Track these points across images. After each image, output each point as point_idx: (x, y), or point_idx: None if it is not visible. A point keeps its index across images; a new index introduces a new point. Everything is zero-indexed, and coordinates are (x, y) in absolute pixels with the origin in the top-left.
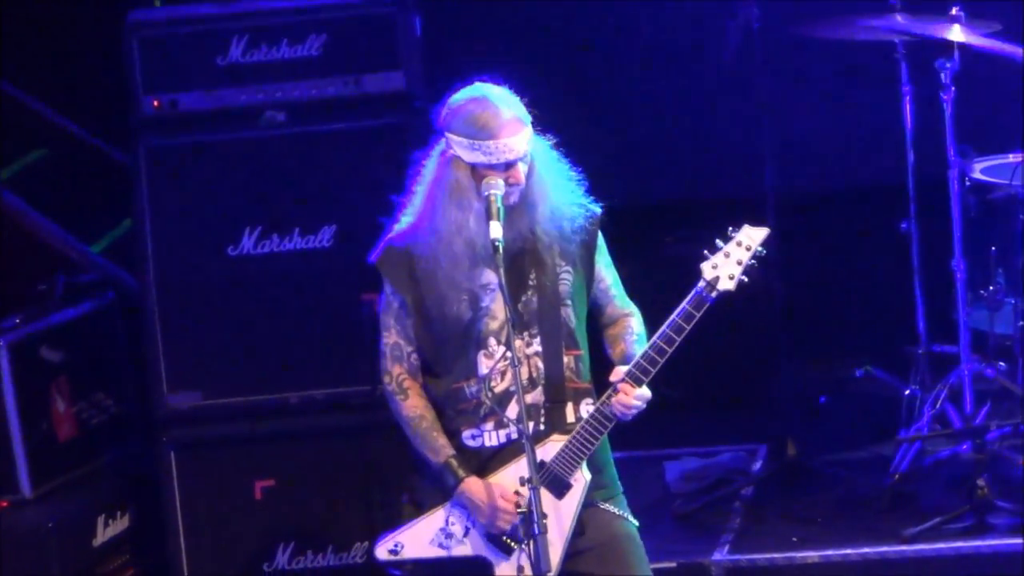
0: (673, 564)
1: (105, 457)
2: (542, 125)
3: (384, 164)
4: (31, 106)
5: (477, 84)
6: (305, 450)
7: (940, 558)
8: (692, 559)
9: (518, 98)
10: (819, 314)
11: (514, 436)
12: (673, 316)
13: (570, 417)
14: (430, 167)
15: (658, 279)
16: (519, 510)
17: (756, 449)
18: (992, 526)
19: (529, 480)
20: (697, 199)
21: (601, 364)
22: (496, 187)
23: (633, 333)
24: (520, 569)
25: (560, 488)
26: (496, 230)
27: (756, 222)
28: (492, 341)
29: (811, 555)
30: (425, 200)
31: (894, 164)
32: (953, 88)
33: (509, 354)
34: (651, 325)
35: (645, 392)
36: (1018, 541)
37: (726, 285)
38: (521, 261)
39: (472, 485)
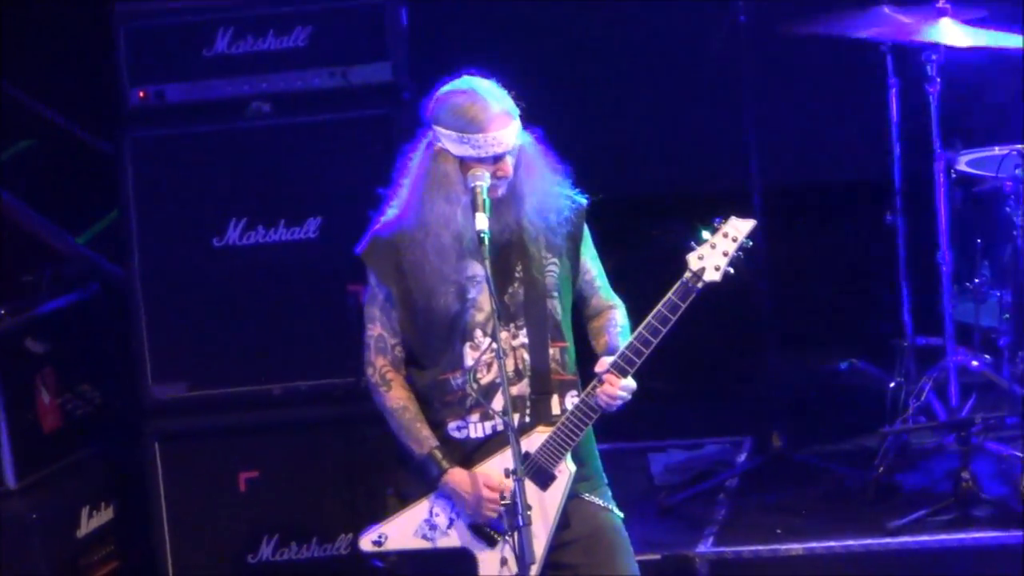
0: (658, 556)
1: (90, 448)
2: (529, 117)
3: (370, 156)
4: (17, 97)
5: (465, 77)
6: (290, 441)
7: (924, 550)
8: (677, 551)
9: (506, 91)
10: (804, 307)
11: (499, 428)
12: (659, 307)
13: (555, 409)
14: (417, 160)
15: (644, 270)
16: (503, 501)
17: (741, 441)
18: (976, 519)
19: (514, 472)
20: (683, 191)
21: (585, 356)
22: (482, 179)
23: (617, 325)
24: (504, 561)
25: (545, 479)
26: (482, 222)
27: (742, 214)
28: (478, 333)
29: (795, 547)
30: (412, 193)
31: (880, 157)
32: (939, 80)
33: (495, 346)
34: (637, 316)
35: (630, 383)
36: (1002, 534)
37: (712, 276)
38: (507, 253)
39: (456, 475)
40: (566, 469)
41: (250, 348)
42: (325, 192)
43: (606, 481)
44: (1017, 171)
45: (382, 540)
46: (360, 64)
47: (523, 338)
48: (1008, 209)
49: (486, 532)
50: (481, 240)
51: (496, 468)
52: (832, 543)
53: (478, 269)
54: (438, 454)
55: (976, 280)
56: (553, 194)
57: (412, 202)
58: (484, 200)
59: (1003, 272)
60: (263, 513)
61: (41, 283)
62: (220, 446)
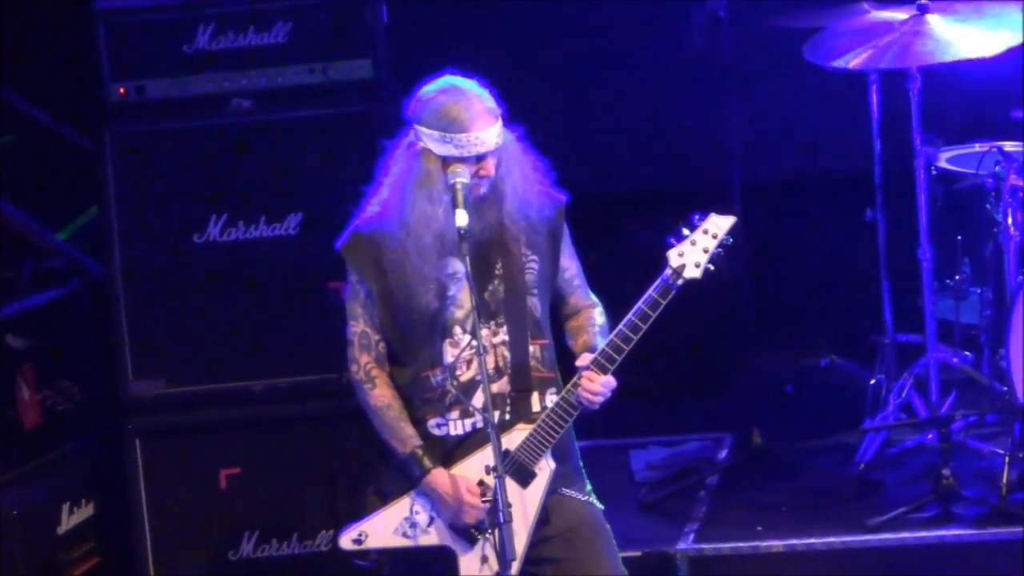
0: (638, 553)
1: (70, 445)
2: (510, 114)
3: (351, 152)
4: None
5: (447, 76)
6: (270, 438)
7: (905, 547)
8: (657, 548)
9: (487, 90)
10: (785, 303)
11: (479, 425)
12: (639, 303)
13: (535, 406)
14: (398, 159)
15: (624, 267)
16: (484, 500)
17: (722, 438)
18: (957, 515)
19: (494, 469)
20: (664, 188)
21: (563, 354)
22: (462, 175)
23: (595, 324)
24: (484, 558)
25: (525, 477)
26: (462, 218)
27: (723, 211)
28: (458, 330)
29: (776, 544)
30: (393, 192)
31: (860, 153)
32: (920, 77)
33: (475, 343)
34: (616, 312)
35: (610, 380)
36: (982, 531)
37: (692, 273)
38: (488, 250)
39: (438, 477)
40: (546, 466)
41: (231, 344)
42: (305, 188)
43: (586, 476)
44: (997, 168)
45: (362, 538)
46: (340, 60)
47: (503, 335)
48: (988, 206)
49: (467, 530)
50: (461, 236)
51: (476, 466)
52: (812, 540)
53: (458, 266)
54: (421, 453)
55: (957, 277)
56: (534, 193)
57: (394, 201)
58: (464, 196)
59: (983, 269)
60: (244, 510)
61: (21, 279)
62: (201, 443)
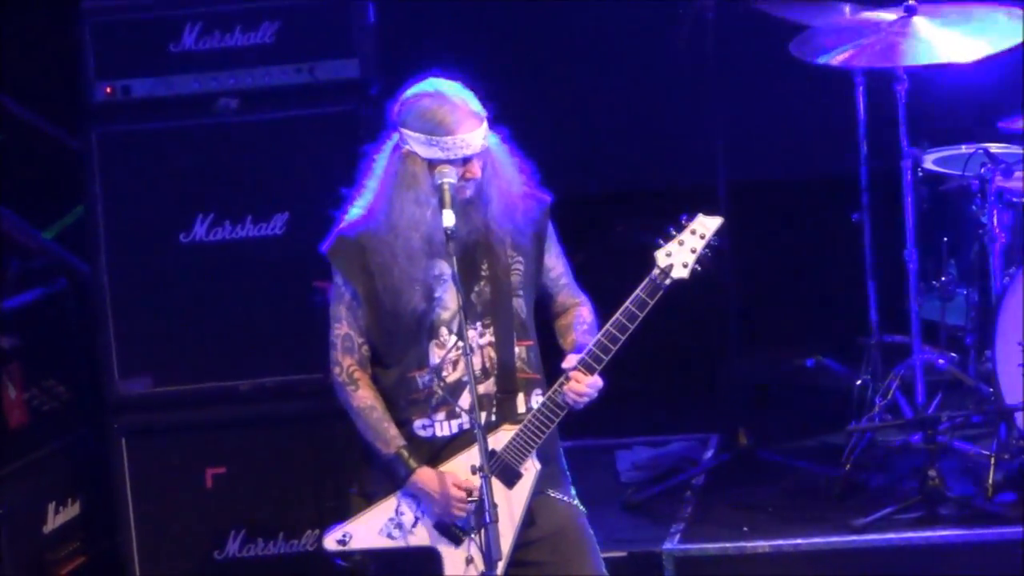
0: (624, 554)
1: (56, 444)
2: (496, 114)
3: (337, 152)
4: None
5: (431, 79)
6: (256, 437)
7: (891, 548)
8: (643, 548)
9: (472, 93)
10: (771, 304)
11: (466, 426)
12: (626, 304)
13: (521, 408)
14: (383, 162)
15: (611, 267)
16: (471, 498)
17: (707, 438)
18: (943, 516)
19: (480, 469)
20: (650, 188)
21: (550, 354)
22: (449, 176)
23: (584, 323)
24: (469, 559)
25: (510, 477)
26: (449, 218)
27: (709, 211)
28: (444, 331)
29: (762, 544)
30: (379, 195)
31: (847, 154)
32: (906, 79)
33: (461, 344)
34: (604, 312)
35: (597, 380)
36: (968, 532)
37: (680, 273)
38: (474, 252)
39: (424, 475)
40: (532, 467)
41: (217, 344)
42: (292, 188)
43: (570, 478)
44: (983, 170)
45: (347, 539)
46: (327, 60)
47: (490, 336)
48: (974, 207)
49: (452, 531)
50: (448, 237)
51: (462, 466)
52: (798, 540)
53: (444, 268)
54: (405, 454)
55: (943, 278)
56: (519, 195)
57: (380, 204)
58: (451, 197)
59: (969, 270)
60: (229, 509)
61: (7, 278)
62: (187, 442)
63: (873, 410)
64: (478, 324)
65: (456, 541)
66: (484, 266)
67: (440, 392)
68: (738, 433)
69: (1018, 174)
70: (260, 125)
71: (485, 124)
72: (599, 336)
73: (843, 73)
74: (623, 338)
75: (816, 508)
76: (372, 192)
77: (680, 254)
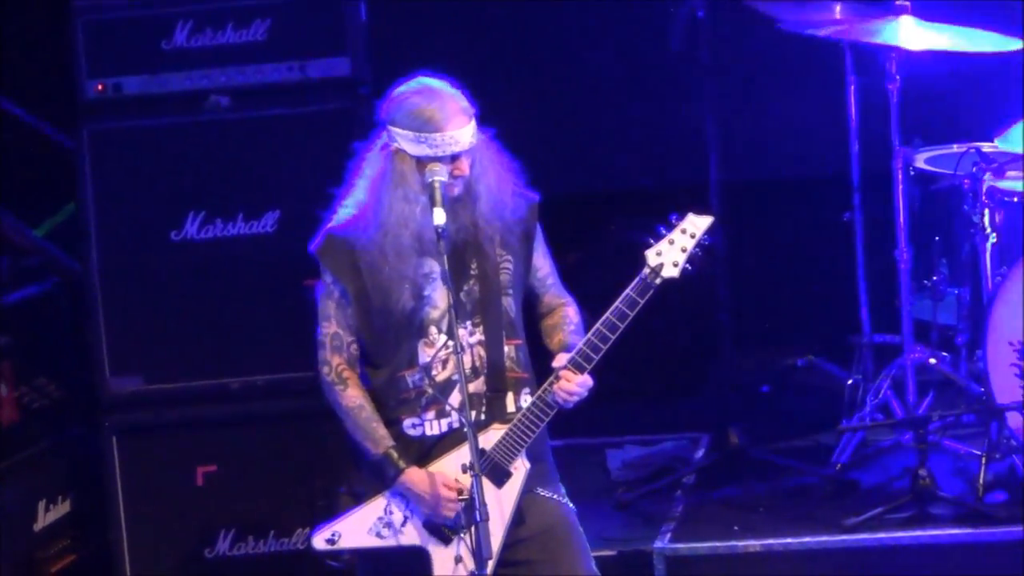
0: (614, 552)
1: (47, 442)
2: (487, 112)
3: (329, 149)
4: None
5: (419, 78)
6: (247, 435)
7: (881, 547)
8: (633, 547)
9: (460, 90)
10: (762, 303)
11: (455, 425)
12: (616, 303)
13: (510, 407)
14: (372, 160)
15: (602, 266)
16: (461, 497)
17: (698, 438)
18: (933, 516)
19: (471, 467)
20: (642, 187)
21: (537, 354)
22: (440, 173)
23: (571, 323)
24: (458, 558)
25: (500, 477)
26: (439, 216)
27: (701, 210)
28: (433, 330)
29: (753, 544)
30: (368, 193)
31: (839, 154)
32: (899, 78)
33: (451, 343)
34: (594, 311)
35: (587, 379)
36: (959, 531)
37: (670, 272)
38: (463, 251)
39: (413, 475)
40: (522, 466)
41: (208, 342)
42: (283, 186)
43: (558, 477)
44: (975, 169)
45: (335, 538)
46: (319, 58)
47: (479, 335)
48: (966, 207)
49: (441, 530)
50: (439, 235)
51: (452, 465)
52: (789, 540)
53: (434, 266)
54: (394, 453)
55: (934, 278)
56: (508, 193)
57: (370, 202)
58: (441, 195)
59: (961, 270)
60: (220, 507)
61: None
62: (178, 440)
63: (864, 409)
64: (467, 323)
65: (445, 540)
66: (473, 265)
67: (430, 391)
68: (729, 432)
69: (1010, 173)
70: (252, 122)
71: (473, 121)
72: (589, 335)
73: (835, 73)
74: (613, 338)
75: (807, 507)
76: (361, 190)
77: (670, 253)
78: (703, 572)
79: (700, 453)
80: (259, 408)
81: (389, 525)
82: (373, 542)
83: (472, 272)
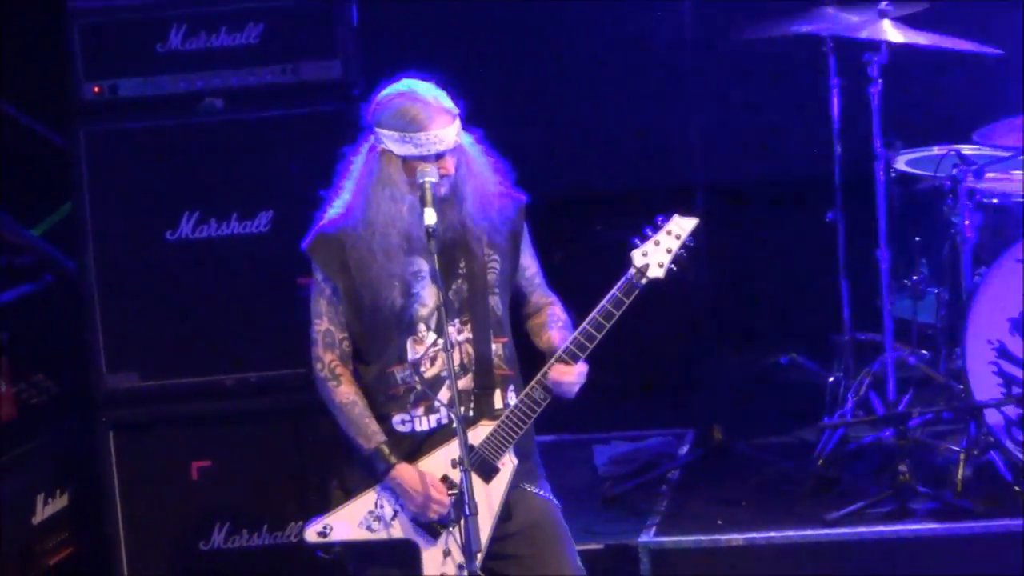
0: (600, 546)
1: (45, 437)
2: (476, 113)
3: (321, 150)
4: None
5: (404, 80)
6: (241, 431)
7: (862, 542)
8: (619, 541)
9: (444, 91)
10: (745, 302)
11: (444, 421)
12: (603, 303)
13: (498, 403)
14: (360, 162)
15: (588, 266)
16: (450, 493)
17: (683, 434)
18: (913, 511)
19: (460, 462)
20: (628, 188)
21: (523, 352)
22: (431, 174)
23: (559, 320)
24: (447, 552)
25: (488, 472)
26: (430, 216)
27: (686, 211)
28: (422, 327)
29: (736, 537)
30: (357, 193)
31: (821, 155)
32: (880, 81)
33: (440, 340)
34: (580, 310)
35: (582, 367)
36: (938, 526)
37: (656, 273)
38: (451, 250)
39: (403, 472)
40: (509, 462)
41: (202, 339)
42: (276, 186)
43: (544, 472)
44: (955, 171)
45: (327, 531)
46: (310, 61)
47: (467, 333)
48: (946, 208)
49: (430, 524)
50: (429, 235)
51: (441, 461)
52: (772, 534)
53: (423, 264)
54: (385, 449)
55: (914, 277)
56: (495, 194)
57: (358, 202)
58: (433, 195)
59: (940, 270)
60: (215, 501)
61: None
62: (173, 435)
63: (845, 406)
64: (456, 321)
65: (434, 534)
66: (461, 264)
67: (419, 387)
68: (713, 429)
69: (989, 175)
70: (245, 124)
71: (457, 121)
72: (576, 334)
73: (818, 76)
74: (600, 336)
75: (789, 502)
76: (350, 191)
77: (656, 254)
78: (687, 565)
79: (685, 449)
80: (253, 404)
81: (379, 519)
82: (364, 535)
83: (460, 271)
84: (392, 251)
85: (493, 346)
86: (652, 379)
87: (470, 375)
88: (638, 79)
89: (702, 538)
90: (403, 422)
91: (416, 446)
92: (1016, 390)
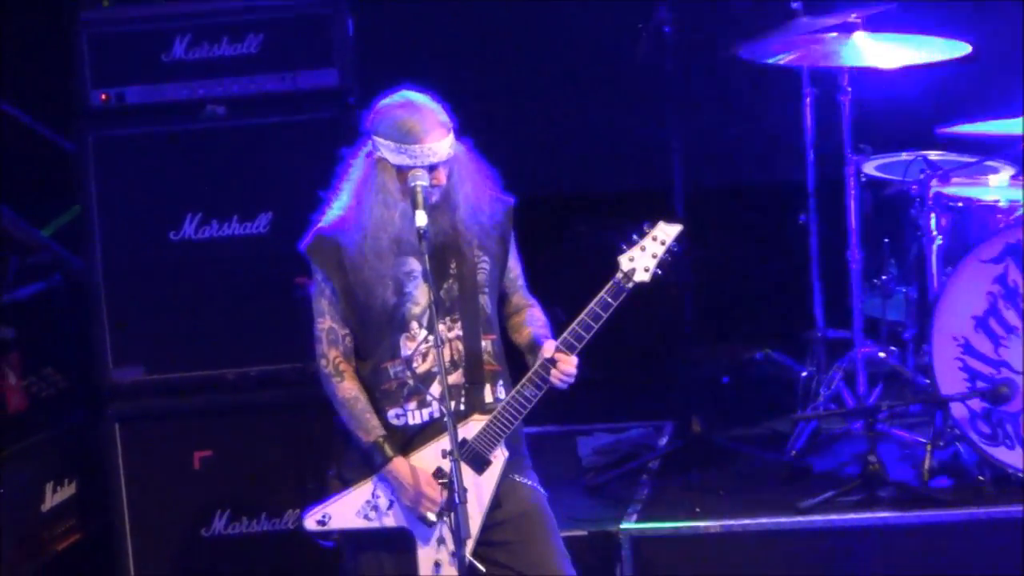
0: (583, 533)
1: (54, 428)
2: (466, 120)
3: (318, 155)
4: None
5: (403, 91)
6: (241, 423)
7: (833, 529)
8: (602, 528)
9: (440, 105)
10: (723, 300)
11: (436, 415)
12: (591, 305)
13: (488, 397)
14: (357, 167)
15: (572, 268)
16: (440, 481)
17: (663, 426)
18: (882, 499)
19: (450, 453)
20: (610, 192)
21: (509, 350)
22: (422, 179)
23: (538, 320)
24: (441, 540)
25: (480, 464)
26: (421, 219)
27: (665, 213)
28: (414, 325)
29: (713, 524)
30: (353, 198)
31: (795, 161)
32: (850, 90)
33: (431, 337)
34: (565, 310)
35: (575, 358)
36: (905, 514)
37: (642, 277)
38: (443, 252)
39: (400, 466)
40: (501, 455)
41: (204, 335)
42: (275, 189)
43: (531, 463)
44: (922, 175)
45: (326, 520)
46: (308, 70)
47: (458, 330)
48: (914, 211)
49: (424, 514)
50: (420, 236)
51: (433, 453)
52: (747, 521)
53: (415, 265)
54: (384, 443)
55: (883, 277)
56: (485, 199)
57: (353, 206)
58: (423, 199)
59: (908, 270)
60: (216, 490)
61: (8, 273)
62: (176, 427)
63: (817, 400)
64: (447, 319)
65: (428, 523)
66: (452, 265)
67: (411, 382)
68: (691, 421)
69: (955, 180)
70: (245, 130)
71: (451, 134)
72: (565, 335)
73: (792, 85)
74: (588, 337)
75: (763, 491)
76: (346, 194)
77: (642, 259)
78: (666, 551)
79: (664, 440)
80: (253, 397)
81: (376, 508)
82: (361, 523)
83: (451, 272)
84: (383, 253)
85: (483, 342)
86: (633, 374)
87: (460, 370)
88: (622, 88)
89: (680, 525)
90: (397, 416)
91: (409, 439)
92: (980, 385)
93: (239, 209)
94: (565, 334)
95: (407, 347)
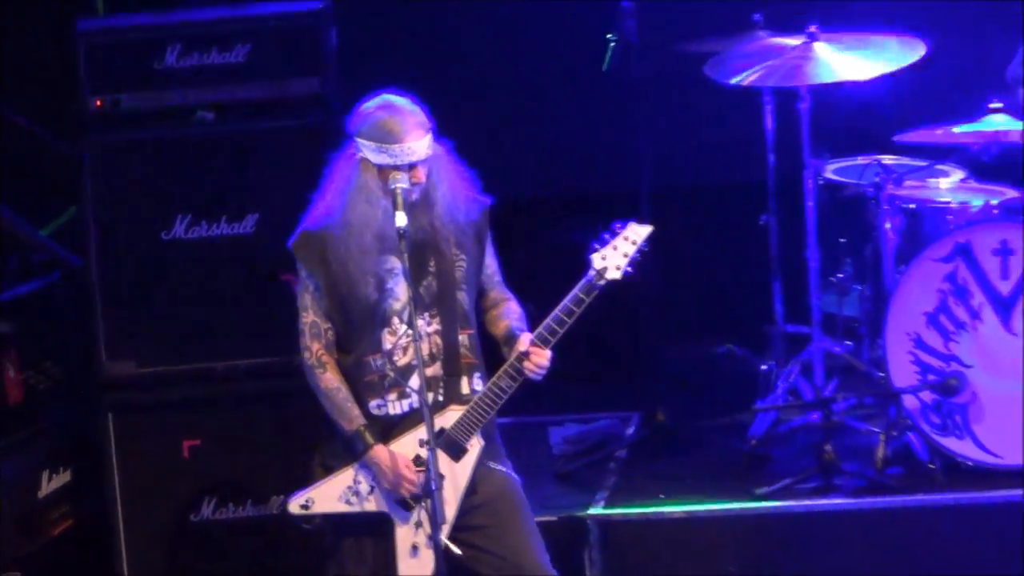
0: (554, 517)
1: (50, 418)
2: (443, 124)
3: (303, 159)
4: None
5: (384, 95)
6: (229, 413)
7: (790, 514)
8: (571, 513)
9: (419, 107)
10: (687, 297)
11: (416, 405)
12: (564, 301)
13: (465, 389)
14: (341, 168)
15: (546, 266)
16: (419, 469)
17: (630, 417)
18: (837, 487)
19: (427, 442)
20: (581, 193)
21: (485, 345)
22: (402, 181)
23: (514, 313)
24: (418, 524)
25: (457, 452)
26: (401, 219)
27: (633, 214)
28: (395, 320)
29: (676, 510)
30: (337, 197)
31: (756, 164)
32: (809, 97)
33: (411, 332)
34: (539, 306)
35: (549, 352)
36: (859, 500)
37: (613, 275)
38: (422, 250)
39: (380, 452)
40: (477, 443)
41: (195, 329)
42: (262, 192)
43: (505, 451)
44: (877, 179)
45: (309, 504)
46: (294, 77)
47: (436, 325)
48: (869, 212)
49: (403, 499)
50: (400, 236)
51: (413, 442)
52: (709, 507)
53: (396, 262)
54: (365, 431)
55: (840, 275)
56: (462, 199)
57: (337, 205)
58: (403, 200)
59: (864, 268)
60: (204, 477)
61: (8, 271)
62: (167, 417)
63: (777, 392)
64: (426, 314)
65: (407, 508)
66: (431, 262)
67: (392, 375)
68: (657, 412)
69: (908, 183)
70: (233, 135)
71: (430, 134)
72: (540, 329)
73: (753, 92)
74: (561, 331)
75: (725, 479)
76: (331, 194)
77: (614, 258)
78: (633, 535)
79: (631, 430)
80: (240, 388)
81: (357, 493)
82: (342, 508)
83: (430, 269)
84: (366, 250)
85: (460, 337)
86: (602, 367)
87: (439, 363)
88: (592, 94)
89: (646, 511)
90: (378, 406)
91: (389, 428)
92: (931, 377)
93: (227, 211)
94: (539, 328)
95: (388, 341)
